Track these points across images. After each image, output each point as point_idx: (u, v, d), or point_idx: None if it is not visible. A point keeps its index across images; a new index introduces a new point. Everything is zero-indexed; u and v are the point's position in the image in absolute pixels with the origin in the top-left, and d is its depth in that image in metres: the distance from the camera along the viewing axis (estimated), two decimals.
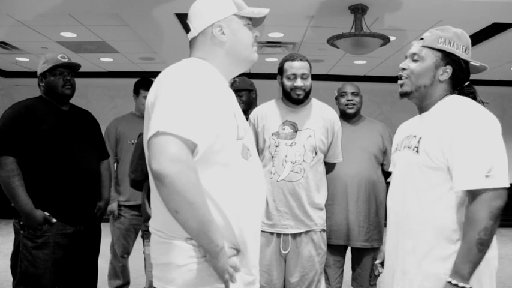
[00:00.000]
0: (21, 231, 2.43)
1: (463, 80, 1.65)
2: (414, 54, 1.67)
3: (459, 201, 1.52)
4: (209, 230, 1.23)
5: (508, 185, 1.44)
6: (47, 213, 2.39)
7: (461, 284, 1.43)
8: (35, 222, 2.37)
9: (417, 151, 1.58)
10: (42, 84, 2.58)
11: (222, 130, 1.30)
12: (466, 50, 1.63)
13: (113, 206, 3.47)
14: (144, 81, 3.60)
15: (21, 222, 2.42)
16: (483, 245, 1.42)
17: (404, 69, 1.69)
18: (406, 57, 1.72)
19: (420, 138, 1.60)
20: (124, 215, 3.45)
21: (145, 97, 3.49)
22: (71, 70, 2.61)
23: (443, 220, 1.53)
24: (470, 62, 1.66)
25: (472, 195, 1.45)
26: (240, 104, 3.26)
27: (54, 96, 2.57)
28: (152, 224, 1.41)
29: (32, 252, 2.40)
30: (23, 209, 2.36)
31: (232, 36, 1.44)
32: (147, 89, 3.50)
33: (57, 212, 2.43)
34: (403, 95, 1.71)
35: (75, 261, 2.55)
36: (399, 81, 1.71)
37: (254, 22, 1.52)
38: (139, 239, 3.55)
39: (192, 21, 1.47)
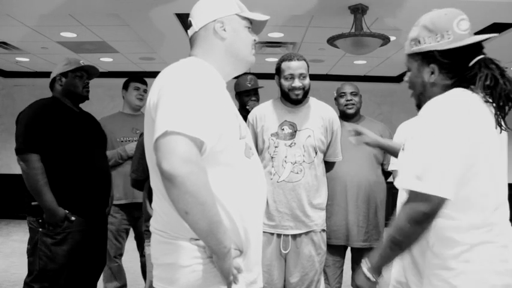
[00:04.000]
0: (40, 229, 2.50)
1: (460, 67, 1.44)
2: (406, 65, 1.59)
3: None
4: (218, 231, 1.23)
5: (442, 194, 1.29)
6: (66, 211, 2.48)
7: (366, 272, 1.44)
8: (58, 219, 2.46)
9: (403, 149, 1.56)
10: (61, 83, 2.65)
11: (225, 129, 1.31)
12: (443, 35, 1.44)
13: None
14: (133, 76, 3.68)
15: (40, 220, 2.49)
16: (395, 244, 1.37)
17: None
18: None
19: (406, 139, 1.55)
20: (115, 216, 3.38)
21: (135, 88, 3.52)
22: (88, 77, 2.75)
23: None
24: (457, 45, 1.43)
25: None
26: (254, 101, 3.29)
27: (73, 96, 2.67)
28: (153, 224, 1.41)
29: (51, 249, 2.48)
30: (49, 206, 2.43)
31: (233, 33, 1.46)
32: (138, 80, 3.59)
33: (77, 209, 2.52)
34: (417, 107, 1.60)
35: (88, 257, 2.65)
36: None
37: (255, 29, 1.55)
38: (130, 239, 3.53)
39: (194, 17, 1.49)
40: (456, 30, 1.44)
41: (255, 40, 1.52)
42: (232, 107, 1.42)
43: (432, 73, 1.47)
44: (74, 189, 2.52)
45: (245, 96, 3.30)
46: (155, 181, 1.37)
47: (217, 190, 1.28)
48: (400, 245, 1.37)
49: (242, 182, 1.36)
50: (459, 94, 1.42)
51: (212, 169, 1.27)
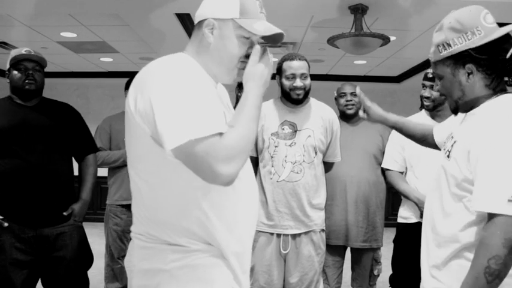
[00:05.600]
0: None
1: (498, 61, 1.37)
2: (434, 73, 1.51)
3: (477, 219, 1.34)
4: (255, 116, 1.26)
5: None
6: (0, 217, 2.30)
7: None
8: None
9: (448, 156, 1.42)
10: (8, 81, 2.45)
11: None
12: (473, 32, 1.37)
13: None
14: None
15: None
16: (492, 275, 1.23)
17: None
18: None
19: (455, 142, 1.42)
20: (121, 217, 3.35)
21: None
22: (37, 64, 2.45)
23: (455, 233, 1.37)
24: (491, 38, 1.35)
25: (489, 217, 1.27)
26: None
27: (17, 92, 2.43)
28: (133, 229, 1.36)
29: None
30: None
31: (219, 40, 1.31)
32: None
33: (12, 215, 2.32)
34: (453, 112, 1.51)
35: (50, 267, 2.44)
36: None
37: (269, 40, 1.37)
38: None
39: (199, 9, 1.37)
40: (485, 24, 1.38)
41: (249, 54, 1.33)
42: (219, 105, 1.33)
43: (470, 74, 1.40)
44: (6, 194, 2.31)
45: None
46: (133, 185, 1.33)
47: (201, 193, 1.24)
48: (499, 275, 1.23)
49: (227, 188, 1.25)
50: None
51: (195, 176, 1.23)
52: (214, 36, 1.31)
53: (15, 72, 2.42)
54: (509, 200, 1.22)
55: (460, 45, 1.38)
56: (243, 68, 1.34)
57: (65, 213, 2.46)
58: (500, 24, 1.43)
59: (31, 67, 2.43)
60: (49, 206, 2.40)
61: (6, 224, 2.30)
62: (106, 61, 7.05)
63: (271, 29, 1.32)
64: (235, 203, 1.32)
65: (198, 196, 1.25)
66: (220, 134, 1.16)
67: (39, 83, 2.45)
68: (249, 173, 1.41)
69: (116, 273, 3.43)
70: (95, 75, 7.82)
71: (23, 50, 2.45)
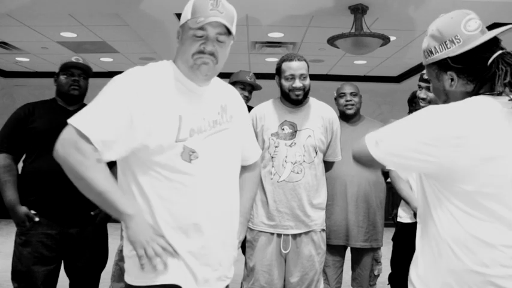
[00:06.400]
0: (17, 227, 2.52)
1: (478, 68, 1.37)
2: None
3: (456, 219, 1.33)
4: (107, 199, 1.34)
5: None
6: (32, 211, 2.44)
7: None
8: (17, 218, 2.44)
9: None
10: (56, 84, 2.66)
11: (154, 130, 1.35)
12: (452, 41, 1.38)
13: None
14: None
15: None
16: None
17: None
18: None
19: None
20: None
21: None
22: (83, 72, 2.68)
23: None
24: (466, 48, 1.36)
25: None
26: (245, 97, 3.33)
27: (62, 95, 2.63)
28: None
29: (19, 249, 2.47)
30: (7, 204, 2.45)
31: (181, 44, 1.47)
32: None
33: (44, 211, 2.46)
34: None
35: (71, 264, 2.56)
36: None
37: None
38: None
39: None
40: (465, 32, 1.37)
41: (204, 47, 1.42)
42: (177, 109, 1.41)
43: (452, 80, 1.41)
44: (40, 191, 2.45)
45: (240, 88, 3.35)
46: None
47: (150, 190, 1.39)
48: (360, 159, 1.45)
49: (176, 184, 1.39)
50: (472, 100, 1.35)
51: (149, 170, 1.39)
52: (179, 40, 1.48)
53: (62, 77, 2.63)
54: (376, 142, 1.35)
55: (440, 53, 1.41)
56: (205, 63, 1.42)
57: (92, 213, 2.56)
58: (499, 25, 1.42)
59: (77, 74, 2.66)
60: (78, 205, 2.48)
61: (37, 219, 2.44)
62: (106, 61, 7.05)
63: (208, 19, 1.39)
64: (188, 199, 1.41)
65: (145, 188, 1.39)
66: (82, 134, 1.32)
67: (83, 89, 2.69)
68: (210, 173, 1.45)
69: (124, 273, 3.41)
70: (95, 75, 7.79)
71: (72, 58, 2.69)
